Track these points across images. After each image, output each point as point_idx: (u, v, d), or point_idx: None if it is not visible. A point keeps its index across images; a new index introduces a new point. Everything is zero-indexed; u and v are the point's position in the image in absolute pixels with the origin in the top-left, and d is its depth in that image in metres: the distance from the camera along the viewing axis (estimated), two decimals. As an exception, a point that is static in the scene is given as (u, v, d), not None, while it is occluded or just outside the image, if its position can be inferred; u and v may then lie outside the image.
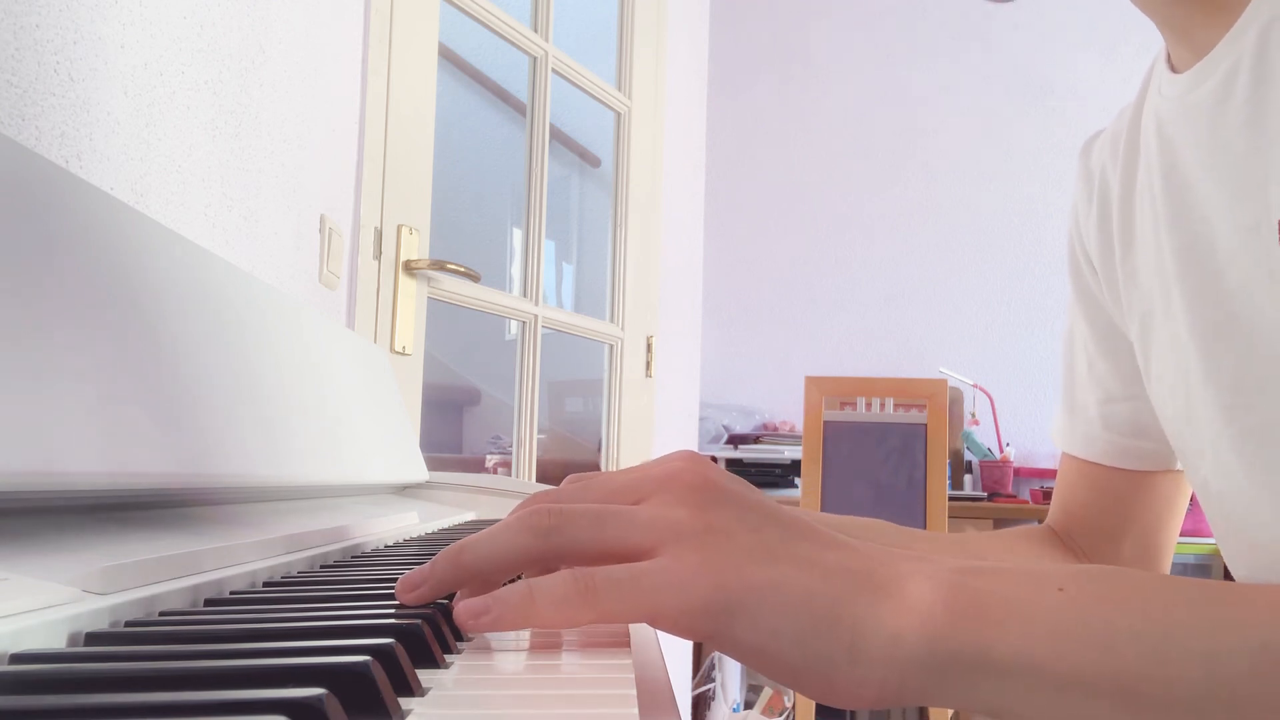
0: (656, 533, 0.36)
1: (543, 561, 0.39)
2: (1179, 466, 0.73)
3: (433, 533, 0.83)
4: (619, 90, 2.34)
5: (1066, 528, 0.77)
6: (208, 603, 0.41)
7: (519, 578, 0.42)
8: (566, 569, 0.36)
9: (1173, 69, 0.59)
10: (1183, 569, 2.55)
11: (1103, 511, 0.75)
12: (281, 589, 0.46)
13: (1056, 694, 0.34)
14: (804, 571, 0.35)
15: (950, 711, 2.17)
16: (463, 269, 1.70)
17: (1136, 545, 0.75)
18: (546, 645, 0.40)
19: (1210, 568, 2.58)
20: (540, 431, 2.07)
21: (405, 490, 1.10)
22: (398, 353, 1.58)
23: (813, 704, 2.15)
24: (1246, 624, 0.34)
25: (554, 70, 2.09)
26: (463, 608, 0.36)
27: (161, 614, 0.38)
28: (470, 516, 1.03)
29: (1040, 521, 0.83)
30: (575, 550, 0.37)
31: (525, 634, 0.41)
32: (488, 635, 0.40)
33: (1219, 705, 0.33)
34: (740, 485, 0.39)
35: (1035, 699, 0.34)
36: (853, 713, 2.76)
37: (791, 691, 2.59)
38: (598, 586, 0.35)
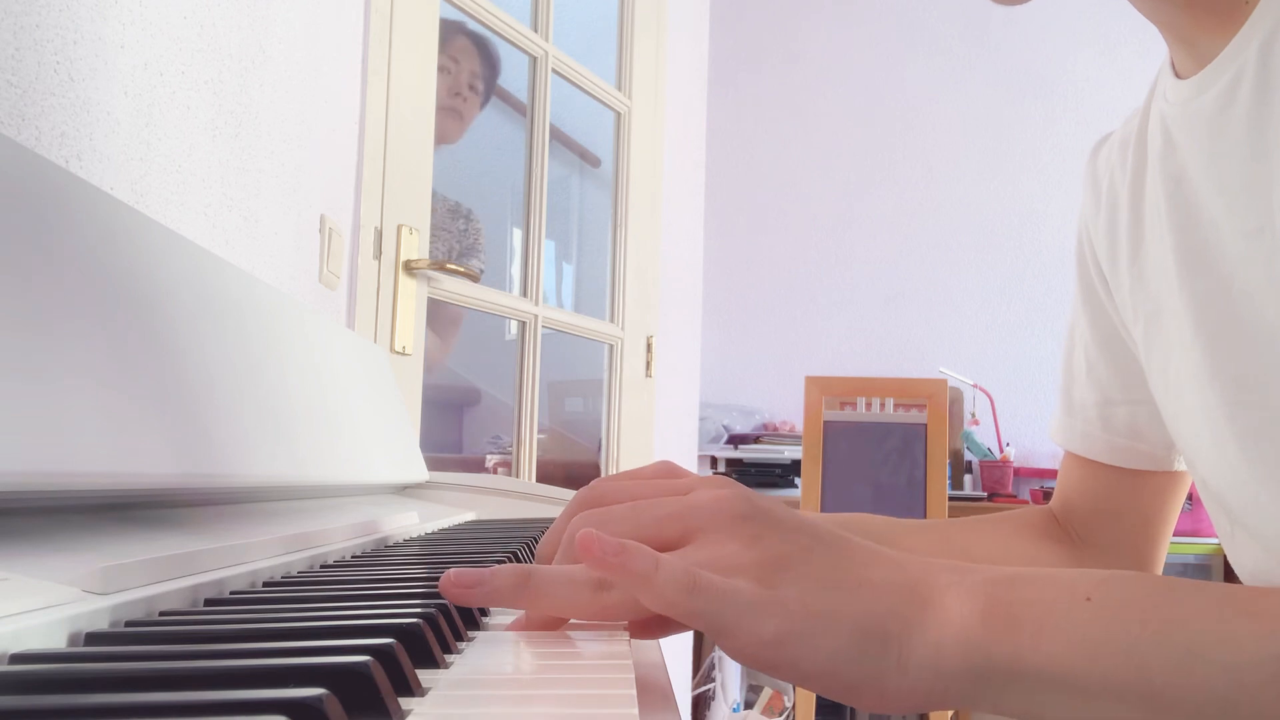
0: (718, 572, 0.38)
1: (598, 618, 0.42)
2: (1176, 467, 0.73)
3: (433, 533, 0.83)
4: (619, 90, 2.33)
5: (1066, 515, 0.79)
6: (208, 603, 0.41)
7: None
8: (684, 562, 0.38)
9: (1177, 75, 0.60)
10: (1183, 569, 2.55)
11: (1099, 504, 0.76)
12: (282, 589, 0.46)
13: (1086, 701, 0.36)
14: (856, 593, 0.38)
15: (949, 714, 2.17)
16: (462, 269, 1.70)
17: (1131, 538, 0.76)
18: (547, 644, 0.40)
19: (1210, 568, 2.58)
20: (540, 431, 2.07)
21: (405, 490, 1.10)
22: (398, 353, 1.58)
23: (813, 705, 2.15)
24: (1267, 634, 0.35)
25: (554, 70, 2.09)
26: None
27: (161, 614, 0.38)
28: (470, 516, 1.03)
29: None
30: (636, 608, 0.40)
31: (525, 634, 0.41)
32: (483, 636, 0.40)
33: (1242, 712, 0.34)
34: (780, 509, 0.41)
35: (1066, 705, 0.36)
36: (852, 713, 2.76)
37: (791, 692, 2.59)
38: (700, 589, 0.37)
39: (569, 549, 0.43)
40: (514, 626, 0.42)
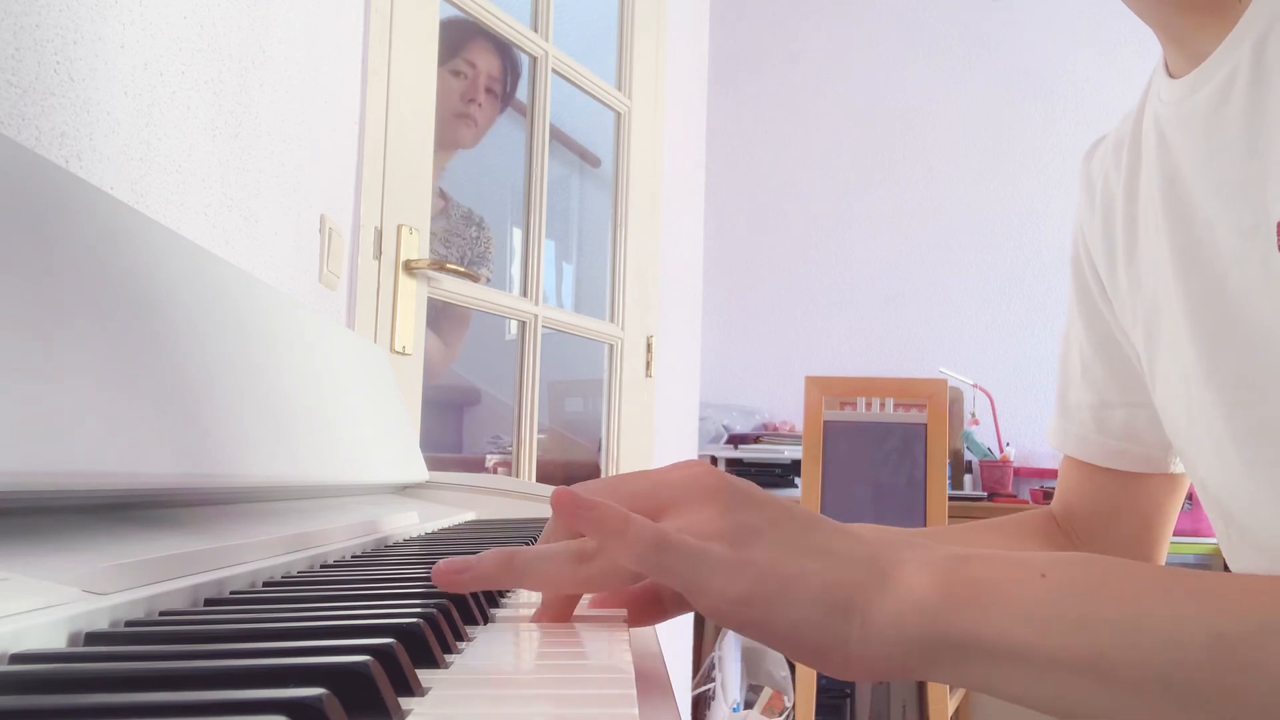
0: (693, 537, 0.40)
1: (583, 589, 0.44)
2: (1173, 469, 0.73)
3: (433, 533, 0.83)
4: (619, 90, 2.33)
5: (1066, 518, 0.79)
6: (208, 603, 0.41)
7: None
8: (656, 527, 0.39)
9: (1170, 74, 0.60)
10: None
11: (1097, 507, 0.77)
12: (281, 589, 0.46)
13: (1038, 672, 0.37)
14: (823, 562, 0.39)
15: (951, 710, 2.17)
16: (462, 270, 1.70)
17: (1130, 540, 0.76)
18: (547, 644, 0.40)
19: (1210, 568, 2.58)
20: (540, 431, 2.07)
21: (405, 490, 1.10)
22: (398, 353, 1.58)
23: (813, 704, 2.15)
24: (1211, 613, 0.37)
25: (554, 70, 2.09)
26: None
27: (161, 614, 0.38)
28: (470, 516, 1.03)
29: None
30: (618, 577, 0.41)
31: (527, 637, 0.41)
32: (484, 635, 0.40)
33: (1182, 686, 0.36)
34: (753, 486, 0.43)
35: (1019, 676, 0.38)
36: (852, 714, 2.75)
37: (791, 691, 2.59)
38: (671, 546, 0.39)
39: (552, 526, 0.45)
40: (536, 616, 0.44)
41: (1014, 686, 0.38)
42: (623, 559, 0.39)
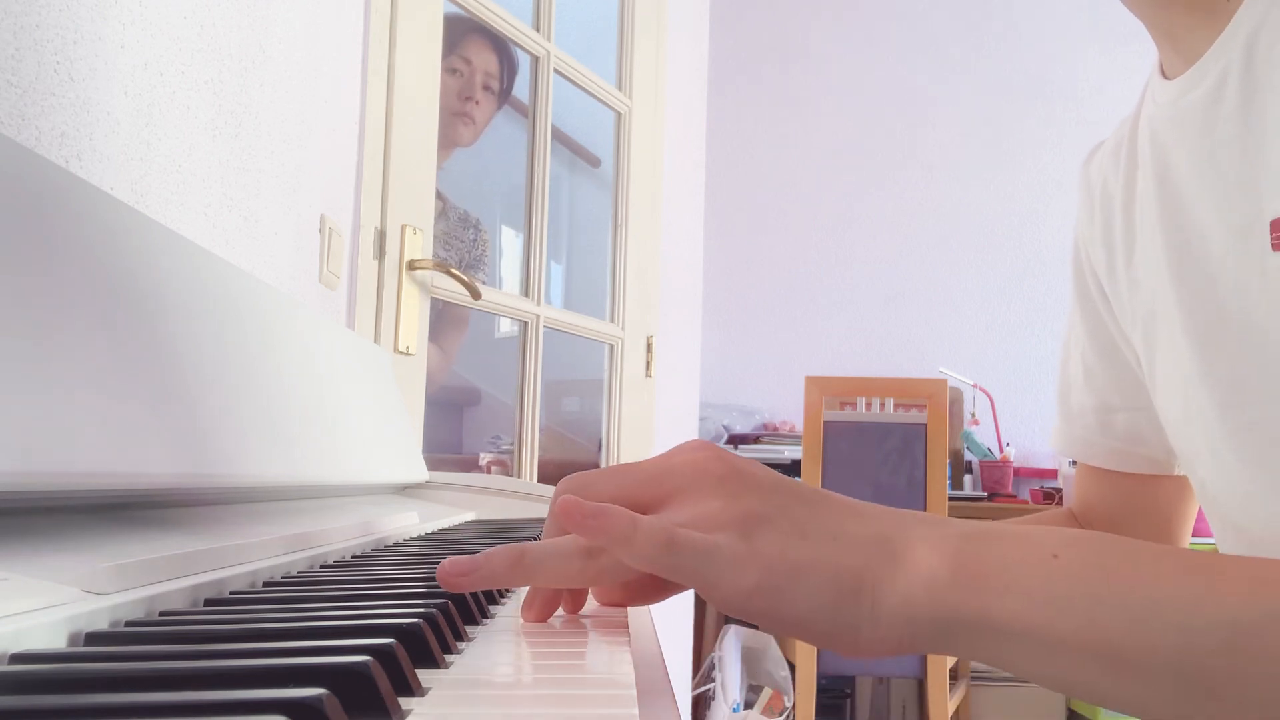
0: (700, 530, 0.40)
1: (592, 584, 0.43)
2: (1178, 470, 0.73)
3: (432, 533, 0.83)
4: (619, 90, 2.33)
5: (1085, 517, 0.80)
6: (208, 603, 0.41)
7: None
8: (662, 522, 0.39)
9: (1165, 76, 0.60)
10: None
11: (1113, 507, 0.77)
12: (281, 589, 0.46)
13: (1048, 653, 0.37)
14: (832, 546, 0.39)
15: (951, 710, 2.17)
16: (465, 278, 1.70)
17: (1148, 538, 0.76)
18: (547, 644, 0.40)
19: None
20: (540, 431, 2.07)
21: (405, 490, 1.10)
22: (401, 353, 1.58)
23: (813, 705, 2.15)
24: (1221, 600, 0.37)
25: (555, 70, 2.09)
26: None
27: (161, 614, 0.38)
28: (470, 516, 1.03)
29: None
30: (626, 571, 0.41)
31: (525, 639, 0.41)
32: (484, 635, 0.40)
33: (1193, 673, 0.36)
34: (758, 468, 0.43)
35: (1030, 656, 0.38)
36: (852, 714, 2.76)
37: (791, 691, 2.59)
38: (679, 545, 0.38)
39: (555, 521, 0.44)
40: (526, 603, 0.44)
41: (1023, 664, 0.38)
42: (632, 562, 0.39)
